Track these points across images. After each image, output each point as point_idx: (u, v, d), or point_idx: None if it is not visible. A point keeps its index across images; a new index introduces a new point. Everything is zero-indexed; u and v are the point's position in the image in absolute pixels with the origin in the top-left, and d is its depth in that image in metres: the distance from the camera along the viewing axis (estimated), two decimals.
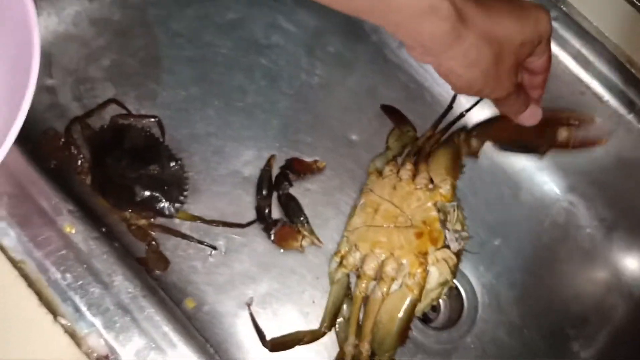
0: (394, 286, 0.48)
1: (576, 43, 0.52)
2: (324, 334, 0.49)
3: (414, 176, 0.52)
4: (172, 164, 0.52)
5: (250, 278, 0.52)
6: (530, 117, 0.45)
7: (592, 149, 0.54)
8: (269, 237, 0.53)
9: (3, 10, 0.38)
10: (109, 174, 0.50)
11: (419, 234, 0.49)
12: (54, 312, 0.36)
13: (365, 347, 0.47)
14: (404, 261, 0.48)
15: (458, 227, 0.51)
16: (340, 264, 0.50)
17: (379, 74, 0.62)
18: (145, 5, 0.61)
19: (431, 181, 0.52)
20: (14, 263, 0.37)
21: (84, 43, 0.58)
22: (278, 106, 0.60)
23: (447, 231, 0.50)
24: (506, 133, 0.55)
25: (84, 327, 0.36)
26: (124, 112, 0.55)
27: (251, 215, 0.54)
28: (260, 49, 0.62)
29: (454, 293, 0.55)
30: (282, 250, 0.53)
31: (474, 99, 0.59)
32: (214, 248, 0.51)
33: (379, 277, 0.48)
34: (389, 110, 0.61)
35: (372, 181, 0.53)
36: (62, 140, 0.51)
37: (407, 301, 0.48)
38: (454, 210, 0.51)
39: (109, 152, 0.51)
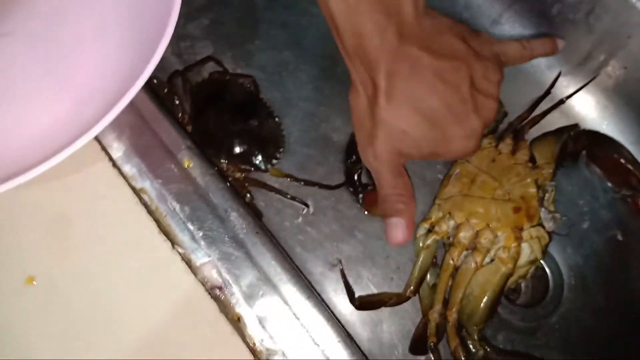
0: (487, 259, 0.48)
1: None
2: (408, 298, 0.49)
3: (514, 151, 0.51)
4: (270, 121, 0.53)
5: (336, 240, 0.52)
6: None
7: None
8: (357, 201, 0.53)
9: None
10: (209, 126, 0.51)
11: (516, 209, 0.48)
12: (172, 241, 0.37)
13: (454, 317, 0.47)
14: (500, 234, 0.48)
15: (552, 207, 0.50)
16: (430, 230, 0.50)
17: None
18: None
19: (531, 160, 0.51)
20: (135, 191, 0.38)
21: (185, 1, 0.60)
22: None
23: (543, 210, 0.49)
24: (604, 160, 0.55)
25: (200, 257, 0.37)
26: (220, 70, 0.56)
27: (339, 179, 0.54)
28: None
29: (538, 273, 0.54)
30: (367, 215, 0.53)
31: (575, 84, 0.58)
32: (306, 205, 0.52)
33: (472, 247, 0.48)
34: None
35: None
36: (166, 90, 0.52)
37: (501, 274, 0.47)
38: (552, 190, 0.50)
39: (211, 105, 0.52)
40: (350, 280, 0.51)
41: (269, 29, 0.60)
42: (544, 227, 0.49)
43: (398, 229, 0.42)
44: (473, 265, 0.47)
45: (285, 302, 0.37)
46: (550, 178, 0.51)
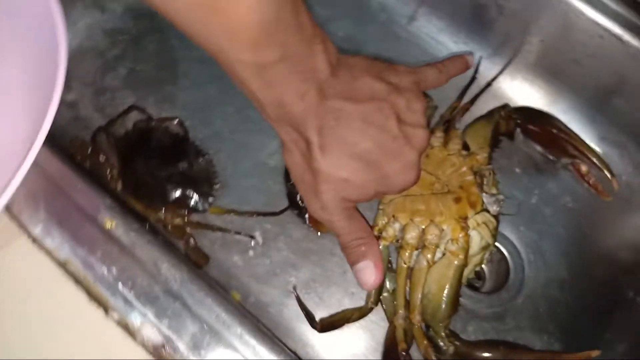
0: (437, 254, 0.47)
1: None
2: (370, 309, 0.48)
3: (446, 143, 0.51)
4: (200, 159, 0.52)
5: (290, 266, 0.52)
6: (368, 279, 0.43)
7: (596, 193, 0.54)
8: (304, 221, 0.52)
9: (29, 18, 0.39)
10: (139, 176, 0.50)
11: (457, 199, 0.48)
12: (105, 307, 0.36)
13: (417, 319, 0.46)
14: (445, 227, 0.47)
15: (494, 190, 0.50)
16: (379, 237, 0.50)
17: (391, 52, 0.62)
18: (155, 13, 0.62)
19: (464, 148, 0.51)
20: (59, 263, 0.37)
21: (99, 54, 0.59)
22: None
23: (484, 195, 0.49)
24: (540, 135, 0.55)
25: (136, 319, 0.36)
26: (144, 117, 0.55)
27: (283, 203, 0.53)
28: None
29: (497, 257, 0.54)
30: (318, 234, 0.53)
31: (500, 66, 0.59)
32: (252, 237, 0.51)
33: (421, 245, 0.48)
34: None
35: None
36: (90, 149, 0.51)
37: (454, 267, 0.46)
38: (490, 173, 0.50)
39: (137, 155, 0.51)
40: (312, 304, 0.50)
41: (189, 68, 0.60)
42: (489, 212, 0.49)
43: (367, 271, 0.43)
44: (425, 263, 0.47)
45: (233, 347, 0.36)
46: (487, 162, 0.51)
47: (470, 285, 0.53)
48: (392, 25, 0.64)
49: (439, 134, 0.52)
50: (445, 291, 0.46)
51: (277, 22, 0.33)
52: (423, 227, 0.48)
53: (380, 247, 0.49)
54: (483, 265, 0.51)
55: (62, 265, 0.37)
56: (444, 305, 0.46)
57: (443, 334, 0.47)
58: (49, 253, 0.37)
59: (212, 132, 0.57)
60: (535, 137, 0.56)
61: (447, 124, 0.54)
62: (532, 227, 0.55)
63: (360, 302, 0.50)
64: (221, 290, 0.40)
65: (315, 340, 0.49)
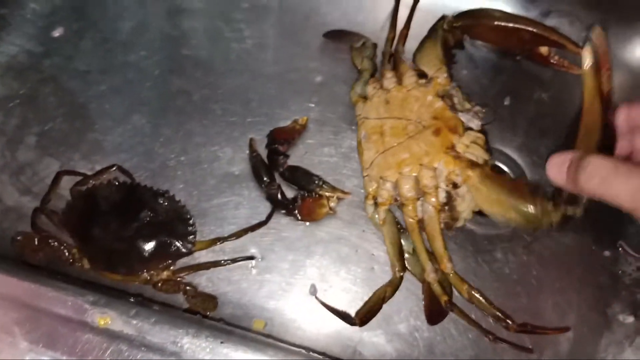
0: (441, 194, 0.44)
1: None
2: (401, 279, 0.45)
3: (400, 80, 0.47)
4: (161, 200, 0.46)
5: (300, 268, 0.48)
6: None
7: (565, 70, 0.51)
8: (296, 218, 0.48)
9: None
10: (104, 246, 0.44)
11: (436, 131, 0.45)
12: None
13: (449, 266, 0.44)
14: (437, 165, 0.44)
15: (467, 105, 0.47)
16: (376, 204, 0.46)
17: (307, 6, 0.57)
18: (37, 61, 0.54)
19: (422, 76, 0.47)
20: None
21: None
22: (226, 89, 0.54)
23: (460, 114, 0.46)
24: (489, 33, 0.50)
25: None
26: (79, 178, 0.48)
27: (266, 207, 0.49)
28: (176, 40, 0.56)
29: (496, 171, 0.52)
30: (312, 224, 0.49)
31: None
32: (252, 258, 0.46)
33: (421, 194, 0.44)
34: (334, 35, 0.56)
35: (361, 108, 0.48)
36: (37, 238, 0.44)
37: (486, 186, 0.42)
38: (457, 90, 0.47)
39: (91, 224, 0.44)
40: (337, 294, 0.47)
41: (101, 105, 0.53)
42: (472, 129, 0.46)
43: None
44: (432, 209, 0.44)
45: None
46: (449, 82, 0.47)
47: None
48: None
49: (389, 74, 0.48)
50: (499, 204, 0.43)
51: None
52: (415, 174, 0.44)
53: (382, 213, 0.46)
54: None
55: None
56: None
57: None
58: None
59: (158, 165, 0.51)
60: (485, 37, 0.52)
61: (394, 60, 0.50)
62: (516, 130, 0.52)
63: (384, 275, 0.47)
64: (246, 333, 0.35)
65: (358, 334, 0.46)
